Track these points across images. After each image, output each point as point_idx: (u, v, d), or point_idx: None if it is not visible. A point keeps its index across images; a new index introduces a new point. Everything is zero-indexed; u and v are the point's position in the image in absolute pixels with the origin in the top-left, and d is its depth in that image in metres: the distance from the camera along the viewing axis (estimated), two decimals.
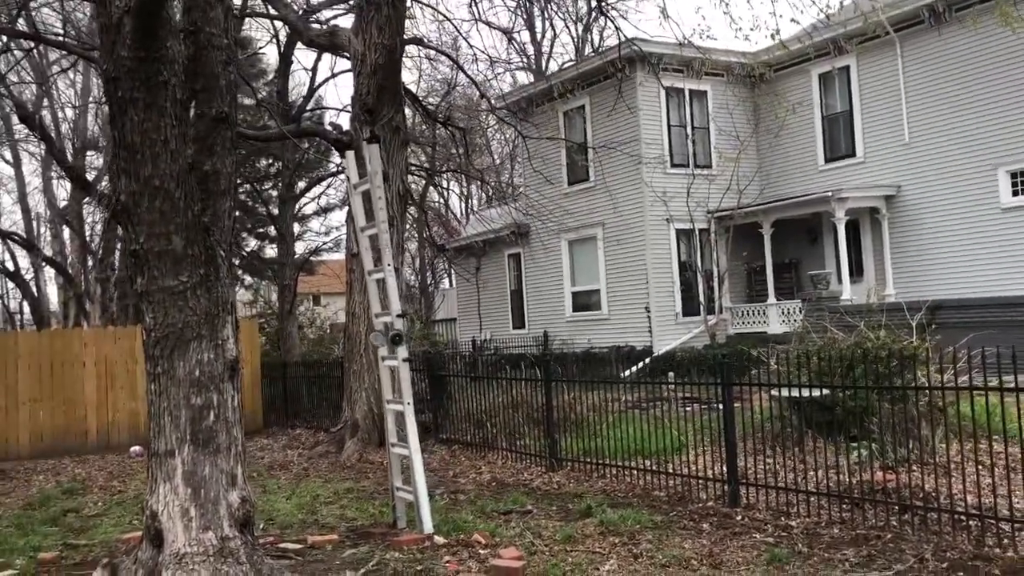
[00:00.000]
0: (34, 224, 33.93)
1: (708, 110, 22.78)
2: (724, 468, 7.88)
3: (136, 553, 5.64)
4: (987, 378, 6.63)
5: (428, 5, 19.10)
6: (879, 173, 20.74)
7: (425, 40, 18.37)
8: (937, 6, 19.03)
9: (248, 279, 31.11)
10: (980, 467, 7.00)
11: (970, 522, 6.27)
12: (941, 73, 19.39)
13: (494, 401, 11.39)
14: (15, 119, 25.43)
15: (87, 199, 26.41)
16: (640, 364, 18.84)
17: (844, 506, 7.02)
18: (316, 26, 16.15)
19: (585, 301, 24.01)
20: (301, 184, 28.27)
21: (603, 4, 16.47)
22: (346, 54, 14.48)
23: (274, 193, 27.63)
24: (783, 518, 7.10)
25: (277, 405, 17.16)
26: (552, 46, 38.51)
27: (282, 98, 23.98)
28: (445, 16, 24.48)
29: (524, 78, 35.60)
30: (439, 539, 6.84)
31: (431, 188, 31.45)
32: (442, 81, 28.96)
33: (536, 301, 25.88)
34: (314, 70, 38.46)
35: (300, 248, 30.67)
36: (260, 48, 27.41)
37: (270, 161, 27.47)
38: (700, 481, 8.13)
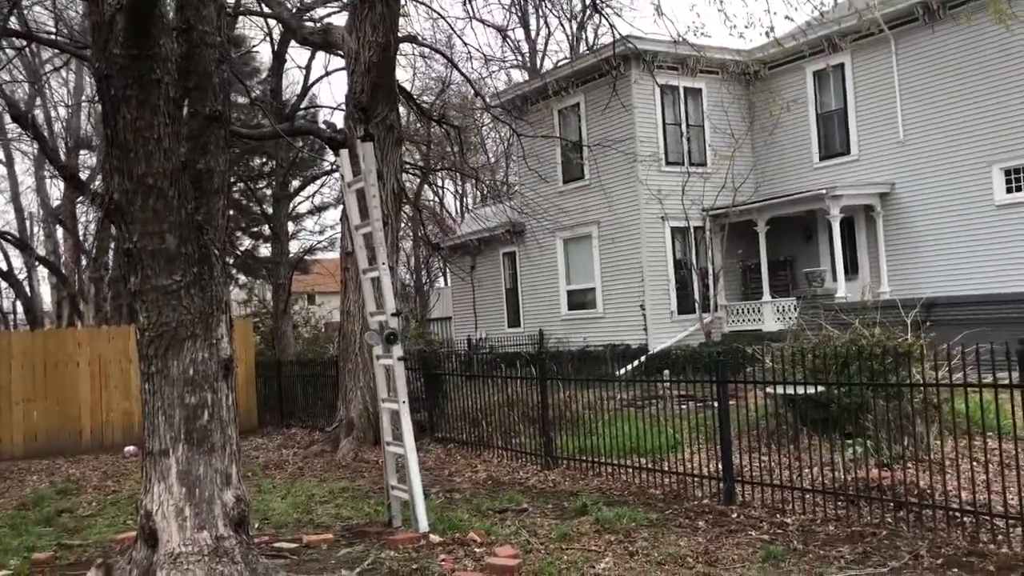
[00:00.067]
0: (27, 223, 33.81)
1: (703, 108, 22.79)
2: (719, 466, 7.88)
3: (130, 553, 5.62)
4: (981, 375, 6.64)
5: (422, 3, 19.11)
6: (874, 170, 20.77)
7: (419, 38, 18.38)
8: (931, 3, 19.07)
9: (242, 278, 31.06)
10: (974, 464, 7.02)
11: (965, 518, 6.29)
12: (935, 70, 19.43)
13: (490, 400, 11.39)
14: (7, 118, 25.33)
15: (80, 198, 26.32)
16: (635, 362, 18.86)
17: (839, 503, 7.03)
18: (310, 24, 16.14)
19: (580, 299, 24.02)
20: (295, 183, 28.22)
21: (597, 1, 16.47)
22: (340, 52, 14.45)
23: (268, 192, 27.59)
24: (778, 515, 7.10)
25: (272, 404, 17.13)
26: (547, 44, 38.55)
27: (276, 96, 23.95)
28: (439, 14, 24.45)
29: (519, 76, 35.60)
30: (435, 538, 6.83)
31: (426, 186, 31.49)
32: (436, 79, 28.96)
33: (531, 299, 25.88)
34: (308, 68, 38.50)
35: (294, 247, 30.66)
36: (254, 46, 27.36)
37: (264, 160, 27.42)
38: (695, 479, 8.14)
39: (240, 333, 14.41)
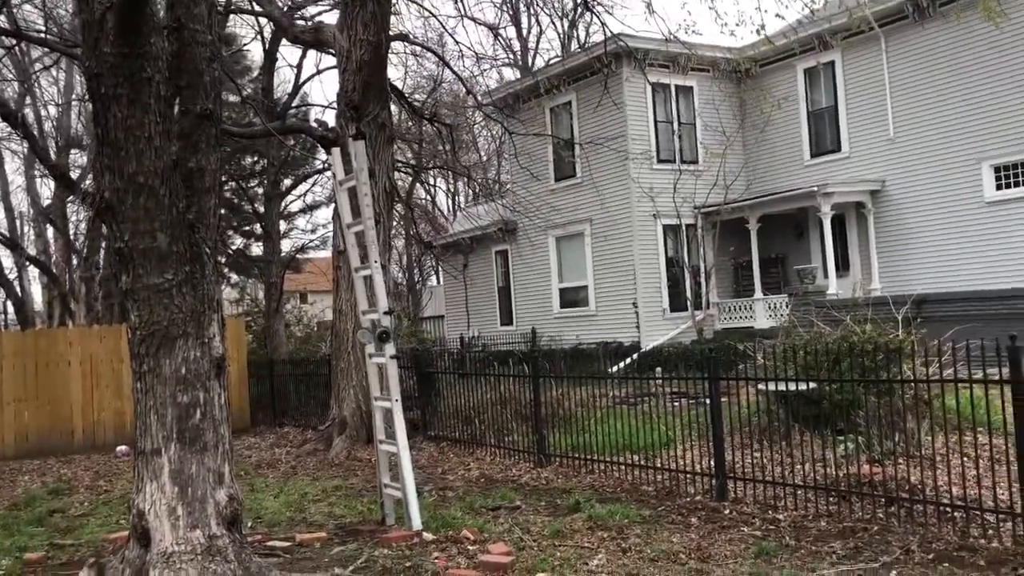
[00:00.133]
0: (17, 223, 33.67)
1: (694, 105, 22.82)
2: (712, 462, 7.90)
3: (123, 552, 5.61)
4: (971, 371, 6.67)
5: (413, 1, 19.09)
6: (864, 168, 20.84)
7: (411, 36, 18.35)
8: (921, 1, 19.14)
9: (234, 277, 30.98)
10: (965, 459, 7.05)
11: (955, 513, 6.32)
12: (925, 68, 19.50)
13: (482, 398, 11.39)
14: None
15: (71, 197, 26.23)
16: (628, 360, 18.90)
17: (831, 499, 7.06)
18: (301, 22, 16.11)
19: (573, 297, 24.04)
20: (287, 181, 28.18)
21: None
22: (331, 51, 14.43)
23: (260, 190, 27.52)
24: (770, 512, 7.13)
25: (264, 403, 17.10)
26: (538, 42, 38.53)
27: (267, 95, 23.90)
28: (431, 12, 24.49)
29: (510, 74, 35.61)
30: (428, 535, 6.83)
31: (418, 185, 31.41)
32: (428, 78, 28.93)
33: (524, 298, 25.89)
34: (299, 67, 38.43)
35: (286, 246, 30.56)
36: (245, 45, 27.35)
37: (255, 158, 27.35)
38: (688, 476, 8.16)
39: (232, 332, 14.37)
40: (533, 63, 35.91)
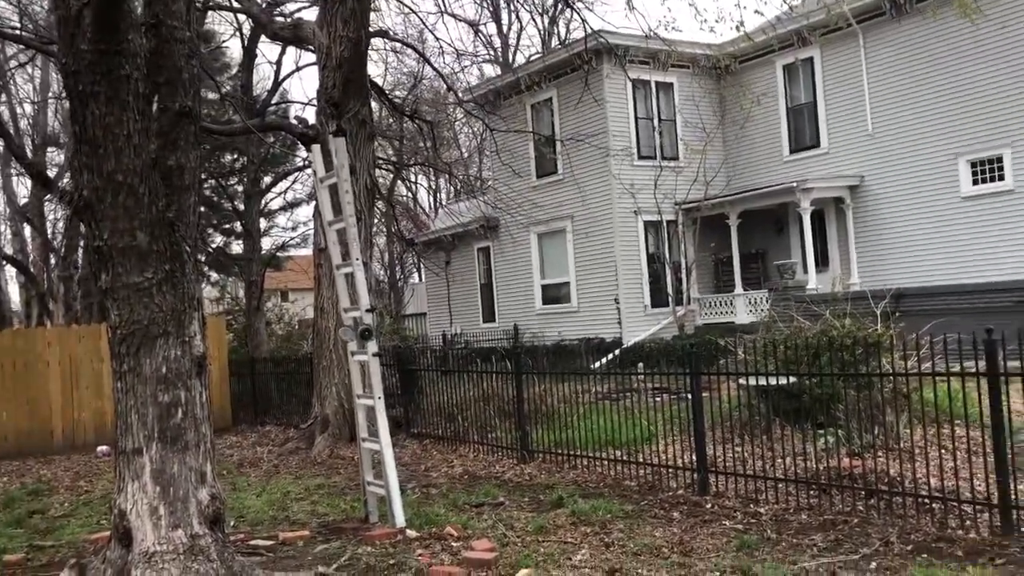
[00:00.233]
0: None
1: (675, 102, 22.90)
2: (693, 457, 7.95)
3: (104, 553, 5.58)
4: (949, 364, 6.75)
5: None
6: (843, 163, 21.00)
7: (391, 32, 18.30)
8: None
9: (214, 275, 30.78)
10: (943, 451, 7.13)
11: (934, 505, 6.39)
12: (903, 64, 19.66)
13: (465, 395, 11.40)
14: None
15: (48, 196, 25.96)
16: (610, 356, 18.96)
17: (812, 492, 7.12)
18: (280, 19, 16.01)
19: (555, 294, 24.08)
20: (267, 179, 27.99)
21: None
22: (311, 47, 14.36)
23: (239, 188, 27.35)
24: (752, 505, 7.18)
25: (246, 402, 17.03)
26: (519, 39, 38.45)
27: (246, 92, 23.74)
28: (411, 8, 24.41)
29: (491, 71, 35.57)
30: (411, 533, 6.84)
31: (399, 182, 31.36)
32: (408, 74, 28.90)
33: (506, 294, 25.89)
34: (278, 64, 37.98)
35: (267, 244, 30.37)
36: (223, 42, 27.09)
37: (235, 156, 27.18)
38: (670, 470, 8.20)
39: (213, 331, 14.28)
40: (514, 60, 35.88)
